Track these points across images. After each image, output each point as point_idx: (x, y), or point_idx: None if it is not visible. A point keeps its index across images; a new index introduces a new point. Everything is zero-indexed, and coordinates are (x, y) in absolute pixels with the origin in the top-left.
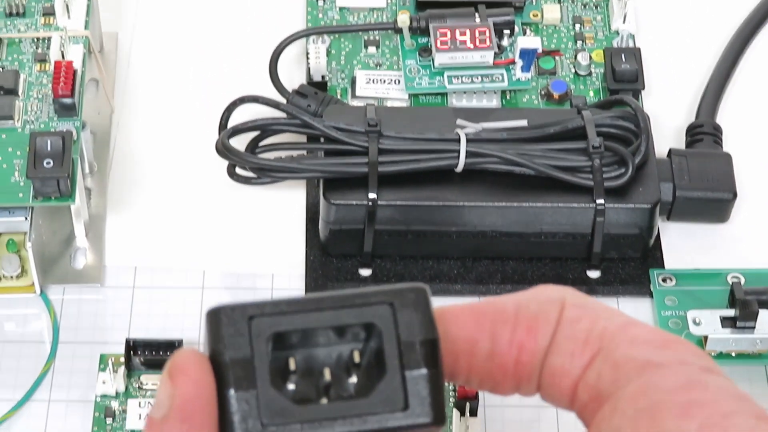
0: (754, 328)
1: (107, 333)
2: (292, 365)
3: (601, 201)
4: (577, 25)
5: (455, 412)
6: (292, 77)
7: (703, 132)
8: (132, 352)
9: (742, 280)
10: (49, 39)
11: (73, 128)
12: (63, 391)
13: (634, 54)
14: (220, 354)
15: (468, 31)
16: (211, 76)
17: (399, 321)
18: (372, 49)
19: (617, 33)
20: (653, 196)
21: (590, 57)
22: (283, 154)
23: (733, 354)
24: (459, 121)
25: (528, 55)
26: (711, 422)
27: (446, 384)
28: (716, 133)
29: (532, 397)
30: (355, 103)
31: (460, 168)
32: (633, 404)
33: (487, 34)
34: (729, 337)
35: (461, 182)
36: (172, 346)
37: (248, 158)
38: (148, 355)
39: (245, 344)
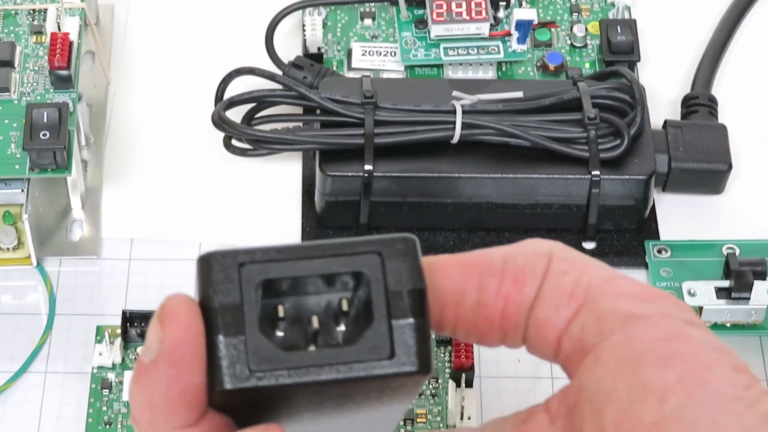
0: (748, 299)
1: (104, 305)
2: (280, 312)
3: (596, 172)
4: None
5: (451, 383)
6: (288, 49)
7: (699, 103)
8: (128, 324)
9: (737, 251)
10: (45, 11)
11: (69, 100)
12: (59, 362)
13: (630, 26)
14: (210, 300)
15: (464, 3)
16: (207, 48)
17: (387, 270)
18: (368, 21)
19: (613, 5)
20: (648, 168)
21: (586, 29)
22: (279, 125)
23: (728, 325)
24: (455, 93)
25: (524, 26)
26: (691, 373)
27: (442, 355)
28: (711, 105)
29: (517, 349)
30: (351, 75)
31: (455, 139)
32: (615, 355)
33: (483, 5)
34: (724, 308)
35: (457, 154)
36: None
37: (244, 130)
38: (144, 326)
39: (235, 290)
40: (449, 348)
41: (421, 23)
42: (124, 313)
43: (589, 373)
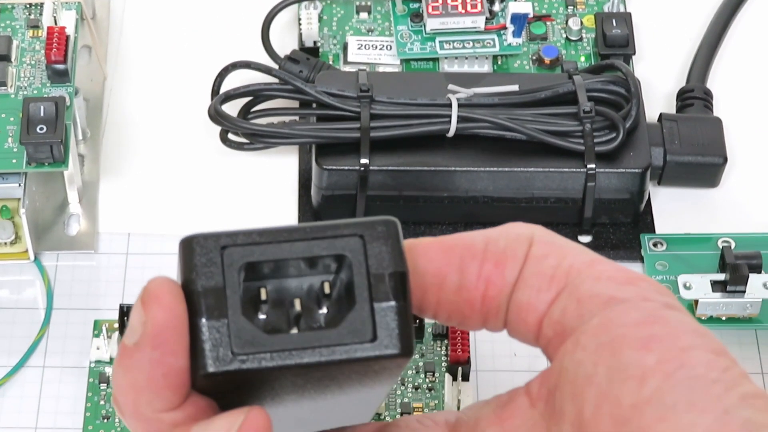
0: (744, 292)
1: (101, 299)
2: (263, 295)
3: (591, 165)
4: None
5: (447, 377)
6: (284, 43)
7: (694, 97)
8: (126, 318)
9: (733, 245)
10: (41, 5)
11: (66, 94)
12: (57, 357)
13: (625, 19)
14: (193, 283)
15: None
16: (203, 42)
17: (369, 253)
18: (364, 15)
19: None
20: (644, 161)
21: (581, 22)
22: (275, 119)
23: (724, 318)
24: (450, 86)
25: (519, 20)
26: (669, 355)
27: (438, 349)
28: (707, 98)
29: (499, 332)
30: (347, 68)
31: (451, 133)
32: (595, 338)
33: None
34: (719, 301)
35: (453, 147)
36: None
37: (241, 124)
38: None
39: (217, 273)
40: (446, 342)
41: (417, 17)
42: (121, 307)
43: (569, 356)
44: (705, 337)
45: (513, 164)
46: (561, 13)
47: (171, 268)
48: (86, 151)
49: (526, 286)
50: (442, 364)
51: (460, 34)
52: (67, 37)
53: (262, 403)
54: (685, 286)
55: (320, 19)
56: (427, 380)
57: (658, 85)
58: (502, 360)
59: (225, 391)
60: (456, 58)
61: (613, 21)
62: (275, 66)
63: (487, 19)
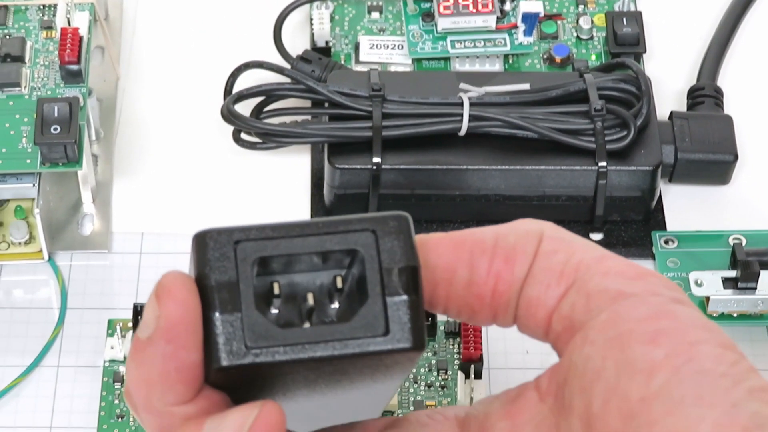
0: (755, 288)
1: (115, 298)
2: (276, 289)
3: (603, 163)
4: None
5: (460, 375)
6: (296, 43)
7: (704, 94)
8: (139, 317)
9: (744, 242)
10: (54, 6)
11: (80, 94)
12: (72, 356)
13: (636, 17)
14: (206, 277)
15: None
16: (215, 42)
17: (381, 248)
18: (375, 15)
19: None
20: (655, 159)
21: (592, 21)
22: (287, 119)
23: (735, 315)
24: (462, 85)
25: (530, 19)
26: (677, 350)
27: (451, 347)
28: (717, 96)
29: (509, 328)
30: (359, 68)
31: (463, 132)
32: (603, 333)
33: None
34: (731, 297)
35: (464, 146)
36: None
37: (253, 123)
38: None
39: (231, 268)
40: (458, 340)
41: (428, 16)
42: (135, 306)
43: (578, 350)
44: (713, 332)
45: (524, 162)
46: (572, 12)
47: (184, 267)
48: (100, 151)
49: (535, 282)
50: (455, 362)
51: (471, 33)
52: (81, 38)
53: (274, 397)
54: (696, 283)
55: (332, 18)
56: (439, 378)
57: (668, 84)
58: (514, 357)
59: (237, 385)
60: (467, 57)
61: (624, 20)
62: (287, 66)
63: (498, 18)
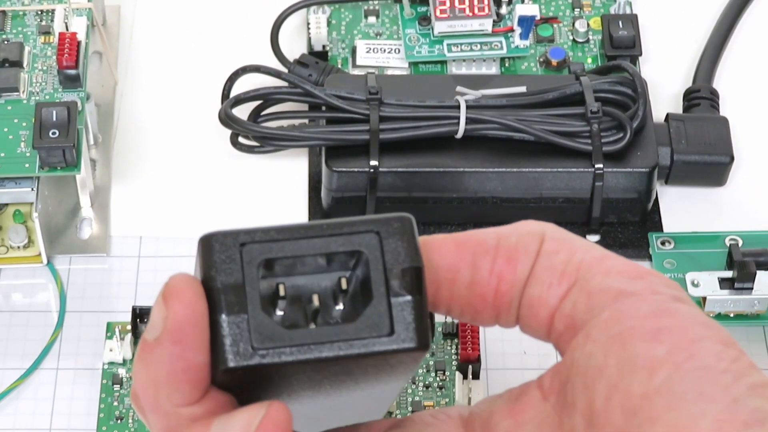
0: (751, 289)
1: (113, 302)
2: (281, 291)
3: (599, 165)
4: None
5: (458, 375)
6: (293, 47)
7: (700, 96)
8: (138, 320)
9: (740, 242)
10: (52, 11)
11: (78, 99)
12: (71, 359)
13: (631, 20)
14: (212, 279)
15: (467, 0)
16: (213, 46)
17: (385, 249)
18: (372, 19)
19: (614, 0)
20: (651, 160)
21: (588, 24)
22: (285, 122)
23: (732, 315)
24: (459, 88)
25: (526, 22)
26: (679, 347)
27: (449, 347)
28: (713, 98)
29: (511, 328)
30: (356, 72)
31: (460, 134)
32: (605, 331)
33: (486, 2)
34: (727, 298)
35: (461, 149)
36: None
37: (251, 127)
38: None
39: (237, 270)
40: (456, 340)
41: (425, 20)
42: (133, 309)
43: (580, 348)
44: (713, 329)
45: (521, 165)
46: (568, 15)
47: (182, 270)
48: (98, 155)
49: (537, 282)
50: (453, 363)
51: (467, 36)
52: (79, 43)
53: (280, 399)
54: (693, 283)
55: (329, 23)
56: (437, 379)
57: (664, 86)
58: (512, 358)
59: (243, 387)
60: (464, 60)
61: (620, 23)
62: (285, 70)
63: (494, 21)
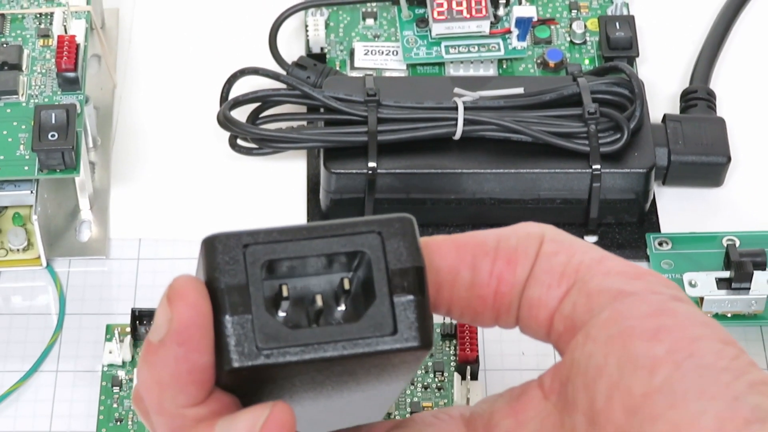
0: (749, 289)
1: (113, 304)
2: (285, 292)
3: (597, 166)
4: None
5: (456, 376)
6: (292, 50)
7: (697, 97)
8: (138, 322)
9: (737, 243)
10: (51, 14)
11: (77, 101)
12: (70, 361)
13: (628, 22)
14: (216, 281)
15: (464, 1)
16: (211, 49)
17: (387, 249)
18: (370, 21)
19: (611, 1)
20: (648, 161)
21: (585, 25)
22: (283, 124)
23: (729, 315)
24: (456, 90)
25: (524, 24)
26: (678, 346)
27: (447, 348)
28: (710, 99)
29: (511, 329)
30: (354, 74)
31: (458, 136)
32: (605, 330)
33: (483, 3)
34: (724, 298)
35: (459, 150)
36: None
37: (249, 129)
38: None
39: (240, 271)
40: (454, 341)
41: (423, 22)
42: (133, 311)
43: (580, 348)
44: (713, 328)
45: (519, 166)
46: (565, 16)
47: (182, 272)
48: (97, 158)
49: (537, 283)
50: (451, 364)
51: (465, 38)
52: (77, 46)
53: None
54: (690, 283)
55: (327, 25)
56: (436, 380)
57: (661, 87)
58: (510, 359)
59: (247, 388)
60: (461, 62)
61: (617, 24)
62: (283, 72)
63: (491, 23)
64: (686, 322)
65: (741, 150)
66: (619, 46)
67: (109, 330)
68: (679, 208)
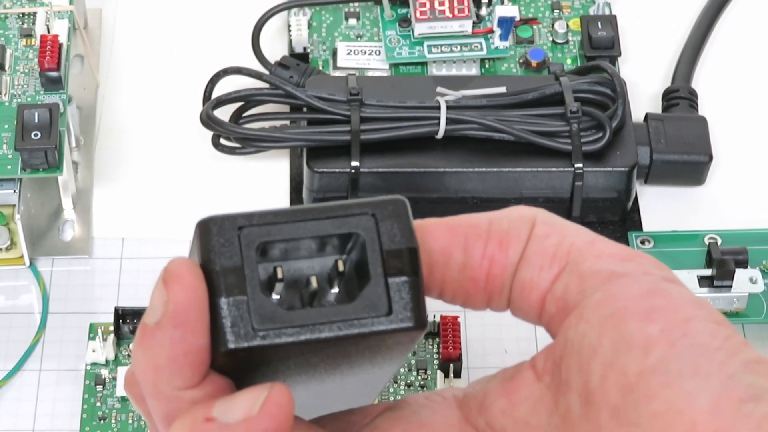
0: (731, 287)
1: (96, 303)
2: (279, 274)
3: (579, 165)
4: None
5: (439, 374)
6: (275, 49)
7: (679, 96)
8: (121, 321)
9: (719, 241)
10: (34, 14)
11: (60, 101)
12: (53, 360)
13: (610, 21)
14: (211, 263)
15: (447, 1)
16: (194, 49)
17: (381, 230)
18: (352, 21)
19: (593, 1)
20: (630, 160)
21: (567, 25)
22: (266, 124)
23: None
24: (439, 89)
25: (506, 23)
26: (672, 325)
27: (430, 347)
28: (692, 98)
29: (502, 312)
30: (337, 74)
31: (440, 135)
32: (598, 311)
33: (466, 3)
34: (707, 296)
35: (442, 149)
36: None
37: (232, 128)
38: (136, 323)
39: (235, 253)
40: (437, 340)
41: (405, 22)
42: (116, 310)
43: (573, 329)
44: (705, 308)
45: (501, 165)
46: (547, 16)
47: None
48: (80, 158)
49: (528, 265)
50: (434, 362)
51: (447, 38)
52: (60, 45)
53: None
54: None
55: (310, 25)
56: (419, 378)
57: (643, 86)
58: (493, 357)
59: (241, 371)
60: (444, 61)
61: (599, 24)
62: (266, 72)
63: (474, 23)
64: (679, 303)
65: (722, 149)
66: (601, 45)
67: (93, 329)
68: (661, 207)
